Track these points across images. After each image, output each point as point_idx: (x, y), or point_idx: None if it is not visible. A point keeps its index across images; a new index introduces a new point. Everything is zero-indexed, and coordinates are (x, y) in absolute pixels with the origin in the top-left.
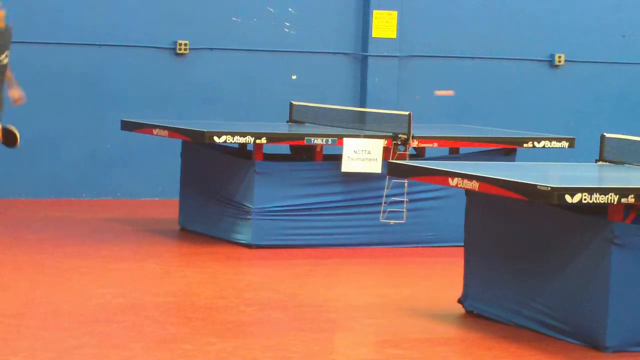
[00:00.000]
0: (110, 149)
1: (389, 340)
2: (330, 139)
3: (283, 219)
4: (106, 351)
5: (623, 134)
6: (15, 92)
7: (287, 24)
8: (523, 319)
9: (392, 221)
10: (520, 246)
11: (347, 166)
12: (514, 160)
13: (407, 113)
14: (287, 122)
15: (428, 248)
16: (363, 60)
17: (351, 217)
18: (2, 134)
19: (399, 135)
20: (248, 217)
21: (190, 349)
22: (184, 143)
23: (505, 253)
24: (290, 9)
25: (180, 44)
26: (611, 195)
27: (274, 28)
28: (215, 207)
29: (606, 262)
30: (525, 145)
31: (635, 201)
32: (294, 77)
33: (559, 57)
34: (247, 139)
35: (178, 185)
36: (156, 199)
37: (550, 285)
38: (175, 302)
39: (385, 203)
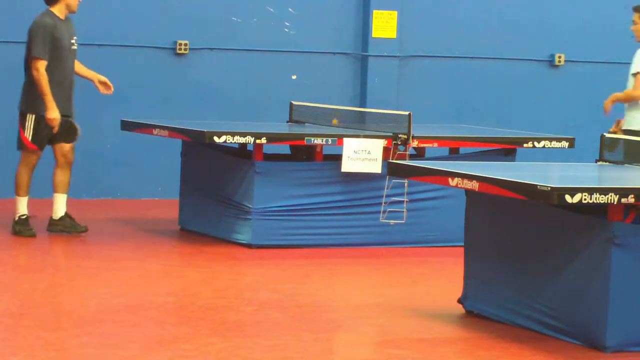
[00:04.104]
0: (110, 149)
1: (389, 340)
2: (330, 139)
3: (283, 219)
4: (106, 351)
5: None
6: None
7: (287, 24)
8: (523, 319)
9: (392, 221)
10: (520, 246)
11: (347, 166)
12: (514, 160)
13: (407, 113)
14: (287, 122)
15: (428, 248)
16: (363, 60)
17: (351, 217)
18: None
19: (399, 135)
20: (248, 217)
21: (190, 349)
22: (184, 143)
23: (505, 253)
24: (290, 9)
25: (180, 44)
26: (611, 195)
27: (274, 28)
28: (215, 207)
29: (606, 262)
30: (525, 145)
31: (635, 201)
32: (294, 77)
33: (559, 57)
34: (247, 139)
35: (178, 185)
36: (156, 199)
37: (550, 285)
38: (175, 302)
39: (385, 203)
